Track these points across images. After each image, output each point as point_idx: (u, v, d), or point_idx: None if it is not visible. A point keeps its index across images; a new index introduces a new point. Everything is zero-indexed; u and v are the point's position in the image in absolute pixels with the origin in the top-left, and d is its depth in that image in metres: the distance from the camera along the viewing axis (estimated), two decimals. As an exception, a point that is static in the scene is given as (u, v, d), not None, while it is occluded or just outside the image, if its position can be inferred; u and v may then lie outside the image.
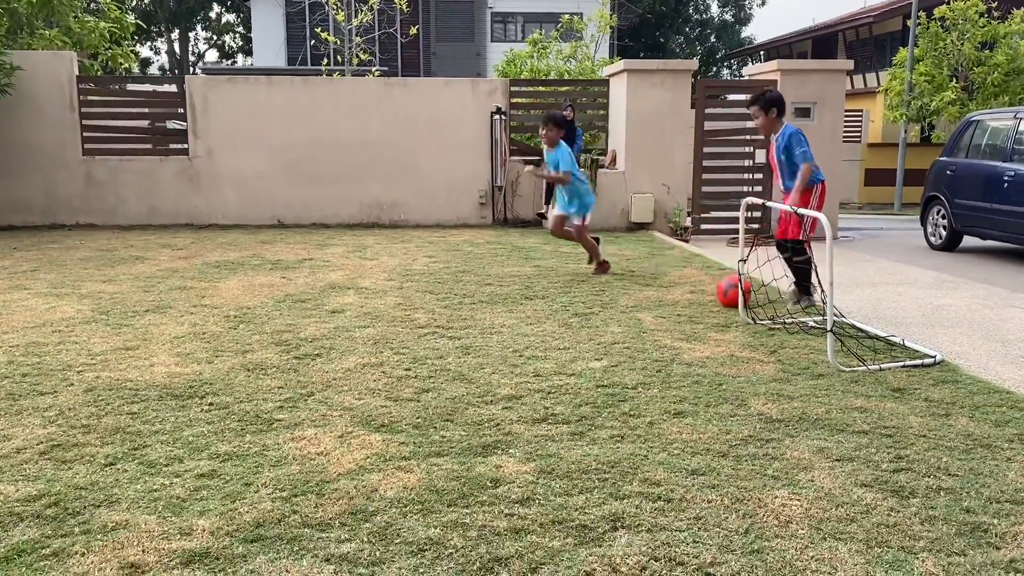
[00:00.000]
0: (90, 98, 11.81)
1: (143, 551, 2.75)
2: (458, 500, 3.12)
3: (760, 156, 11.11)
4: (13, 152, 11.48)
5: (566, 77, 16.97)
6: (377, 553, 2.75)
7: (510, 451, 3.60)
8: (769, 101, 6.43)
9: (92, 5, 14.14)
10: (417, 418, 4.02)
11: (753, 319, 6.04)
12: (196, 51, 45.94)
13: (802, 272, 6.55)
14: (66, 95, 11.55)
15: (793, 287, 6.73)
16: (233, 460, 3.51)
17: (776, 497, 3.15)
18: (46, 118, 11.52)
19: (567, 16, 19.31)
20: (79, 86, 11.63)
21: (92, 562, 2.68)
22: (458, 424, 3.93)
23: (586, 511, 3.03)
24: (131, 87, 13.45)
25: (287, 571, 2.65)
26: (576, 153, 10.21)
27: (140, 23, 15.97)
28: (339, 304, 6.55)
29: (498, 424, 3.92)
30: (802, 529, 2.92)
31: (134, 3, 13.90)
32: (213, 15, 45.11)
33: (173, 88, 12.36)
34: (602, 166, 12.24)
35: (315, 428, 3.88)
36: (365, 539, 2.85)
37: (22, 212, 11.67)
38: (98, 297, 6.77)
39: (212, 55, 46.45)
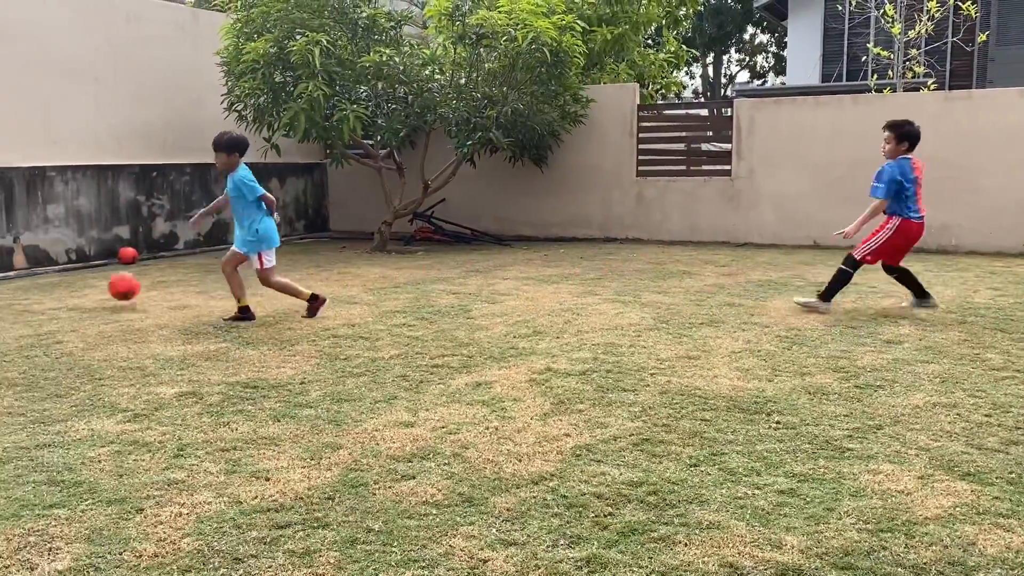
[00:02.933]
0: (644, 124, 13.03)
1: (739, 554, 2.94)
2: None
3: None
4: (580, 173, 13.20)
5: None
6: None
7: None
8: (905, 134, 6.92)
9: (653, 39, 15.55)
10: (1009, 472, 3.63)
11: None
12: (727, 73, 47.69)
13: (837, 284, 7.04)
14: (627, 122, 12.91)
15: (823, 292, 7.08)
16: (810, 482, 3.56)
17: None
18: (608, 144, 13.02)
19: None
20: (638, 113, 12.90)
21: (694, 554, 2.95)
22: (1065, 488, 3.44)
23: None
24: (677, 112, 14.49)
25: (886, 609, 2.60)
26: None
27: (693, 52, 17.14)
28: (894, 334, 6.22)
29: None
30: None
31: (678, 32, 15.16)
32: (747, 36, 46.34)
33: (726, 111, 12.96)
34: None
35: (891, 464, 3.74)
36: (968, 595, 2.66)
37: (582, 226, 13.35)
38: (656, 307, 7.43)
39: (743, 76, 47.79)
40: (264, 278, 7.15)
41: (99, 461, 3.89)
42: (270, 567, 2.89)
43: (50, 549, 3.04)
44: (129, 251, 11.10)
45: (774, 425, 4.28)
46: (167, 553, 2.99)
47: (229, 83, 11.40)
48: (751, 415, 4.44)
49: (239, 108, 11.44)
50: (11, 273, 10.02)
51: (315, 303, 7.15)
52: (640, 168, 12.97)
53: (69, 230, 10.83)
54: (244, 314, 7.05)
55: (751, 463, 3.78)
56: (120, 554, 2.99)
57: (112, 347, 6.10)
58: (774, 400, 4.67)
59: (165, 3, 12.23)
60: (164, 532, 3.15)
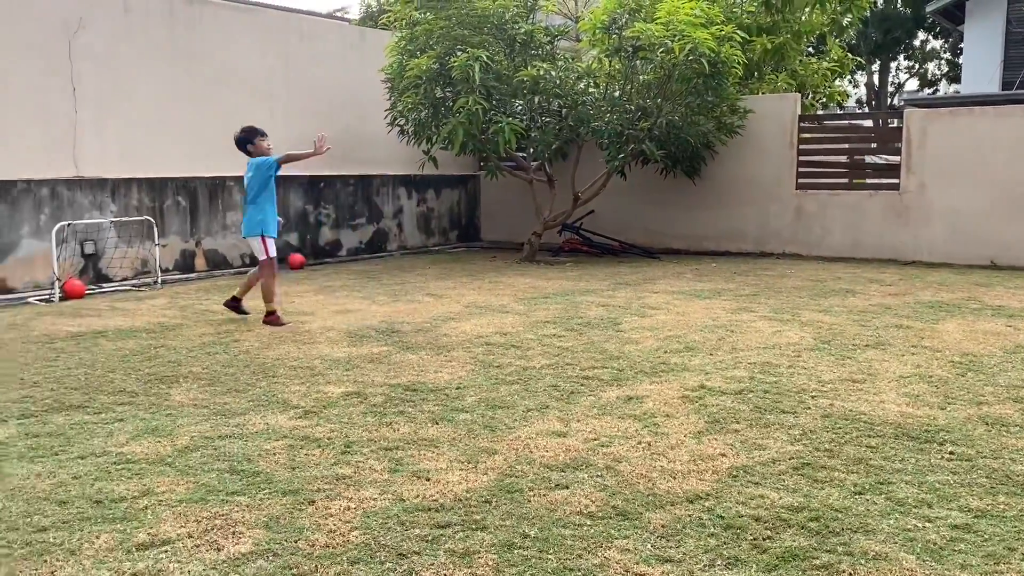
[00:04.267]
0: (805, 135, 12.57)
1: (909, 589, 2.81)
2: None
3: None
4: (735, 185, 12.89)
5: None
6: None
7: None
8: None
9: (816, 47, 15.00)
10: None
11: None
12: (895, 82, 45.23)
13: None
14: (787, 133, 12.50)
15: None
16: (988, 518, 3.34)
17: None
18: (766, 155, 12.65)
19: None
20: (799, 124, 12.47)
21: (861, 585, 2.84)
22: None
23: None
24: (840, 123, 13.90)
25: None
26: None
27: (858, 59, 16.40)
28: (1085, 364, 5.72)
29: None
30: None
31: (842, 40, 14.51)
32: (917, 43, 43.79)
33: (894, 122, 12.33)
34: None
35: (1083, 505, 3.45)
36: None
37: (736, 240, 13.02)
38: (817, 326, 7.15)
39: (911, 84, 45.19)
40: (266, 265, 7.41)
41: (274, 454, 4.16)
42: (432, 565, 3.01)
43: (233, 533, 3.28)
44: (298, 257, 11.80)
45: (947, 456, 4.03)
46: (337, 544, 3.17)
47: (392, 98, 11.91)
48: (921, 444, 4.20)
49: (401, 123, 11.93)
50: (192, 275, 10.86)
51: (272, 317, 7.37)
52: (800, 180, 12.53)
53: (245, 236, 11.62)
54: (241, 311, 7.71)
55: (921, 494, 3.58)
56: (295, 542, 3.20)
57: (284, 347, 6.51)
58: (947, 429, 4.41)
59: (336, 22, 12.96)
60: (334, 524, 3.34)
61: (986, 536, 3.19)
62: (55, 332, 7.11)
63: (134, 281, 10.04)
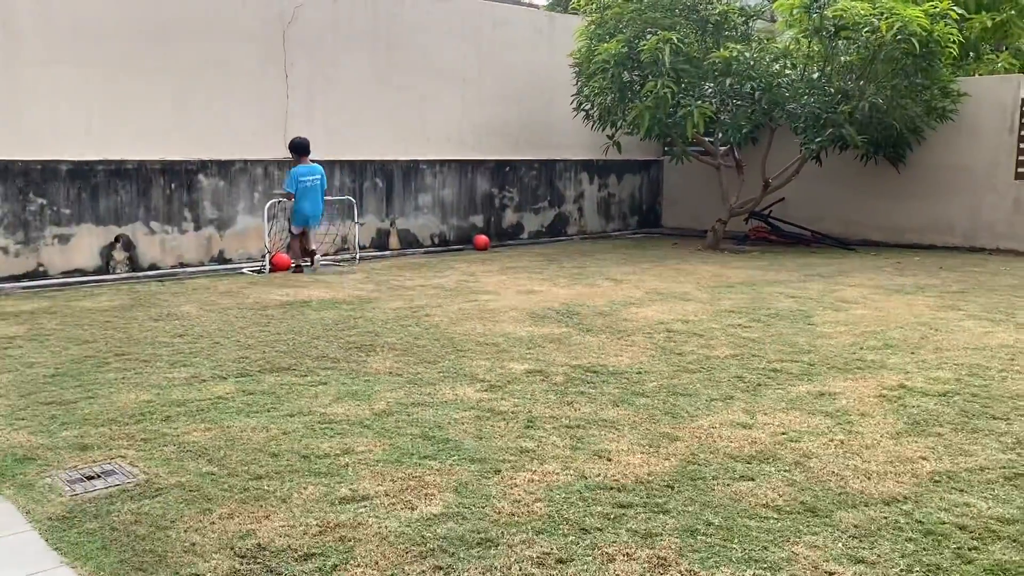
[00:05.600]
0: (1030, 120, 11.44)
1: None
2: None
3: None
4: (943, 174, 11.95)
5: None
6: None
7: None
8: None
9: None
10: None
11: None
12: None
13: None
14: (1007, 118, 11.44)
15: None
16: None
17: None
18: (982, 142, 11.63)
19: None
20: (1022, 109, 11.37)
21: (1084, 610, 2.60)
22: None
23: None
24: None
25: None
26: None
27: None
28: None
29: None
30: None
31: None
32: None
33: None
34: None
35: None
36: None
37: (943, 233, 12.09)
38: (1035, 328, 6.54)
39: None
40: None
41: (462, 423, 4.34)
42: (614, 542, 3.05)
43: (426, 494, 3.47)
44: (483, 238, 12.15)
45: None
46: (522, 513, 3.27)
47: (579, 83, 11.96)
48: None
49: (586, 107, 11.97)
50: (387, 252, 11.45)
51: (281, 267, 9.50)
52: (1020, 170, 11.44)
53: (434, 217, 12.12)
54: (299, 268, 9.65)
55: None
56: (482, 508, 3.33)
57: (470, 323, 6.75)
58: None
59: (527, 8, 13.16)
60: (519, 494, 3.45)
61: None
62: (266, 300, 7.73)
63: (334, 256, 10.71)
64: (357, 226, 10.77)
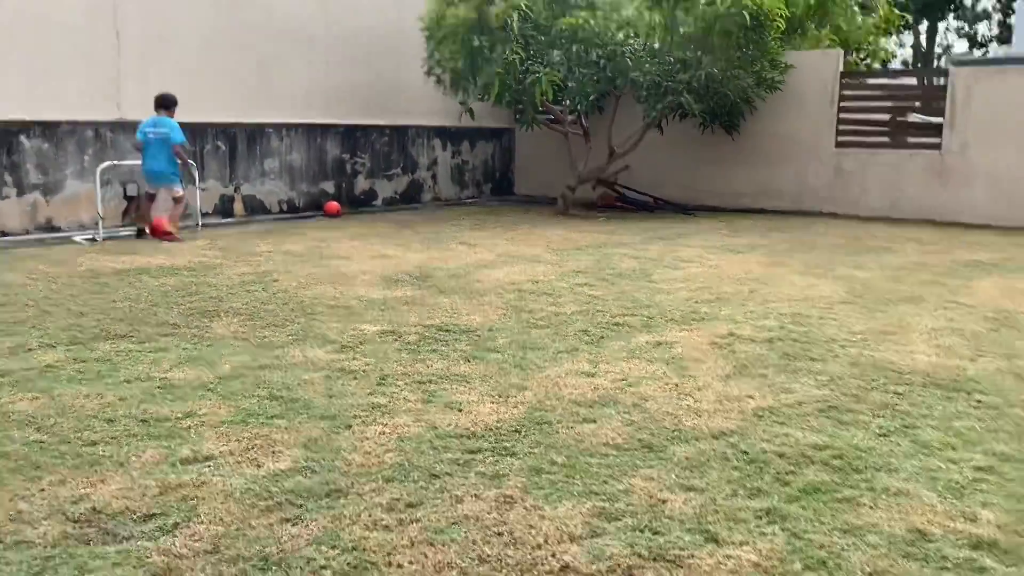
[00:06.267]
0: (847, 93, 12.34)
1: (928, 522, 2.87)
2: None
3: None
4: (773, 142, 12.73)
5: None
6: None
7: None
8: None
9: (861, 4, 14.65)
10: None
11: None
12: (943, 43, 43.96)
13: None
14: (828, 91, 12.30)
15: None
16: (1013, 462, 3.38)
17: None
18: (807, 112, 12.46)
19: None
20: (841, 81, 12.25)
21: (880, 517, 2.91)
22: None
23: None
24: (883, 81, 13.62)
25: (1093, 592, 2.46)
26: None
27: (905, 17, 15.99)
28: (1123, 323, 5.66)
29: None
30: None
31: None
32: (968, 2, 42.44)
33: (939, 80, 12.05)
34: None
35: (1109, 453, 3.47)
36: None
37: (773, 197, 12.89)
38: (850, 281, 7.13)
39: (961, 46, 43.92)
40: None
41: (312, 383, 4.30)
42: (463, 485, 3.12)
43: (273, 452, 3.42)
44: (334, 204, 11.93)
45: (975, 404, 4.06)
46: (373, 464, 3.30)
47: (430, 48, 11.89)
48: (949, 392, 4.23)
49: (438, 72, 11.92)
50: (231, 219, 11.04)
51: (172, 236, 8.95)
52: (840, 139, 12.35)
53: (282, 183, 11.77)
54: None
55: (946, 438, 3.62)
56: (332, 461, 3.33)
57: (321, 287, 6.64)
58: (976, 380, 4.42)
59: (375, -31, 12.88)
60: (370, 447, 3.47)
61: (1010, 478, 3.23)
62: (100, 268, 7.31)
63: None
64: (199, 192, 10.31)
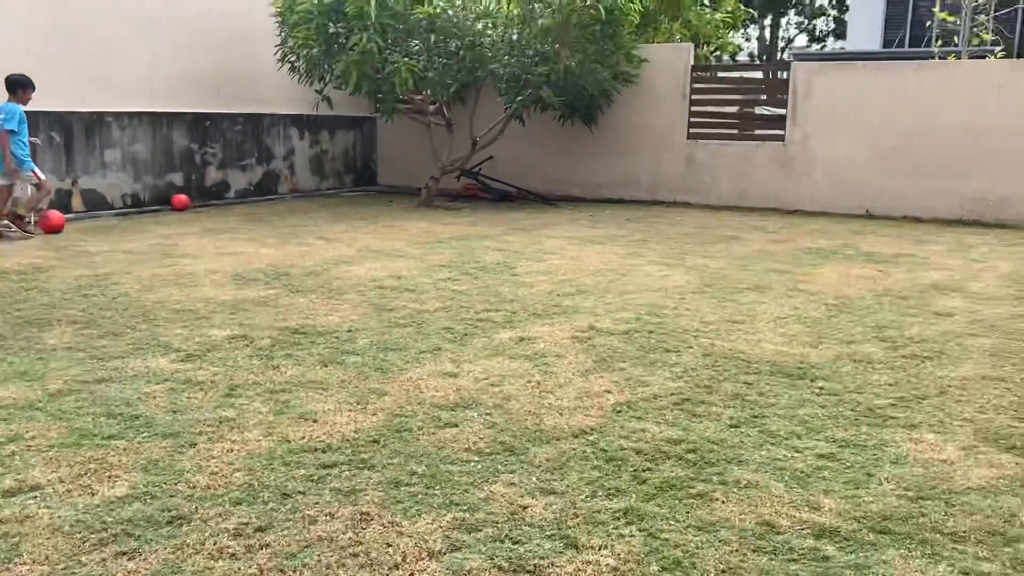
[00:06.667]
0: (697, 86, 12.79)
1: (776, 513, 2.97)
2: (1124, 553, 2.71)
3: None
4: (630, 134, 13.05)
5: None
6: (1024, 584, 2.54)
7: None
8: None
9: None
10: (1057, 447, 3.58)
11: None
12: (785, 37, 46.46)
13: None
14: (680, 84, 12.70)
15: None
16: (851, 448, 3.56)
17: None
18: (660, 105, 12.83)
19: None
20: (692, 75, 12.68)
21: (732, 511, 2.99)
22: (1114, 465, 3.39)
23: None
24: (731, 74, 14.20)
25: (922, 572, 2.61)
26: None
27: (751, 12, 16.71)
28: (944, 307, 6.12)
29: None
30: None
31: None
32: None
33: (782, 74, 12.66)
34: None
35: (934, 434, 3.72)
36: (1007, 564, 2.65)
37: (631, 188, 13.23)
38: (702, 271, 7.39)
39: (801, 40, 46.55)
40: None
41: (154, 397, 4.03)
42: (316, 503, 2.99)
43: (109, 476, 3.17)
44: (182, 198, 11.32)
45: (817, 391, 4.26)
46: (219, 485, 3.11)
47: (283, 34, 11.45)
48: (794, 380, 4.43)
49: (292, 60, 11.50)
50: (69, 215, 10.26)
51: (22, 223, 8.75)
52: (691, 131, 12.78)
53: (125, 175, 11.06)
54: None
55: (792, 427, 3.78)
56: (175, 484, 3.12)
57: (166, 290, 6.26)
58: (818, 366, 4.65)
59: (222, -49, 12.27)
60: (216, 466, 3.27)
61: (848, 464, 3.40)
62: (-88, 274, 6.63)
63: (4, 222, 9.41)
64: (31, 187, 9.53)
